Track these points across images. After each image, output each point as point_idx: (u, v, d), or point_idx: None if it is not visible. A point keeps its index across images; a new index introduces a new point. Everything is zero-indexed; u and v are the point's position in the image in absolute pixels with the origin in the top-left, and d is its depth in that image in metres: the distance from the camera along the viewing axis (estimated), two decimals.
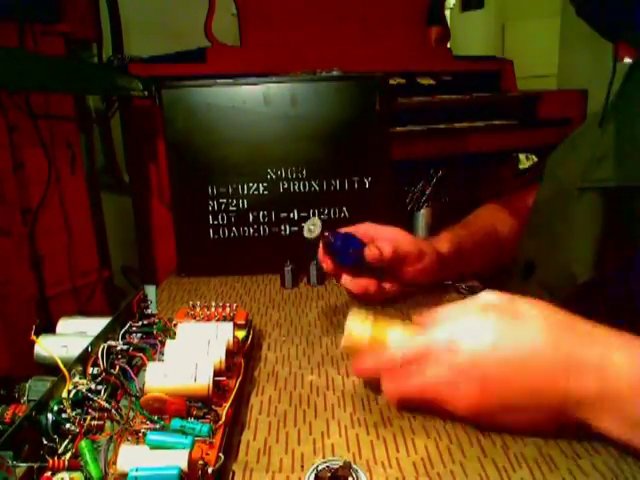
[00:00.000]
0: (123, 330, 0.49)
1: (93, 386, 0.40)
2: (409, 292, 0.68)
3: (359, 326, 0.46)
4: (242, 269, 0.82)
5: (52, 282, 1.12)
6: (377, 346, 0.45)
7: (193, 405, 0.40)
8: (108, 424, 0.39)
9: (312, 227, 0.53)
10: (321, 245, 0.60)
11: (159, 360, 0.45)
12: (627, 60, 0.59)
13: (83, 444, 0.34)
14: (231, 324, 0.49)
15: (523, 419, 0.40)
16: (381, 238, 0.63)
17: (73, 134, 1.17)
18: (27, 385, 0.42)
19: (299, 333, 0.61)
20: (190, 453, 0.33)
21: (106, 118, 1.37)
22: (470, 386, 0.40)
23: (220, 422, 0.39)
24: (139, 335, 0.49)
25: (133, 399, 0.40)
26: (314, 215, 0.82)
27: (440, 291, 0.71)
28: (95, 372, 0.42)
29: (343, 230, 0.61)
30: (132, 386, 0.42)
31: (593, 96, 1.41)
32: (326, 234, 0.57)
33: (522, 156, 1.68)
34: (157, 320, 0.53)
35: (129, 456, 0.33)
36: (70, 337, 0.48)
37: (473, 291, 0.70)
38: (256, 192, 0.81)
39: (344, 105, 0.79)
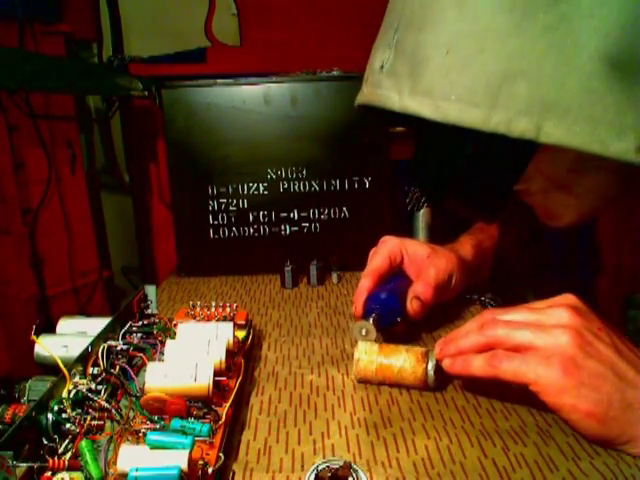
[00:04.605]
0: (123, 330, 0.49)
1: (93, 386, 0.40)
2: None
3: (365, 354, 0.48)
4: (242, 269, 0.82)
5: (52, 282, 1.12)
6: (385, 370, 0.47)
7: (193, 405, 0.40)
8: (108, 424, 0.39)
9: (364, 331, 0.52)
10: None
11: (159, 360, 0.45)
12: None
13: (83, 444, 0.34)
14: (231, 324, 0.49)
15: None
16: (419, 278, 0.58)
17: (73, 134, 1.17)
18: (27, 385, 0.42)
19: (299, 333, 0.61)
20: (190, 453, 0.33)
21: (106, 118, 1.37)
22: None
23: (220, 422, 0.39)
24: (139, 335, 0.49)
25: (133, 399, 0.40)
26: (314, 213, 0.82)
27: (462, 304, 0.66)
28: (95, 372, 0.42)
29: (383, 293, 0.55)
30: (132, 386, 0.42)
31: None
32: (375, 317, 0.52)
33: None
34: (157, 320, 0.53)
35: (129, 456, 0.33)
36: (70, 337, 0.48)
37: (497, 303, 0.66)
38: (256, 192, 0.81)
39: (344, 105, 0.79)
